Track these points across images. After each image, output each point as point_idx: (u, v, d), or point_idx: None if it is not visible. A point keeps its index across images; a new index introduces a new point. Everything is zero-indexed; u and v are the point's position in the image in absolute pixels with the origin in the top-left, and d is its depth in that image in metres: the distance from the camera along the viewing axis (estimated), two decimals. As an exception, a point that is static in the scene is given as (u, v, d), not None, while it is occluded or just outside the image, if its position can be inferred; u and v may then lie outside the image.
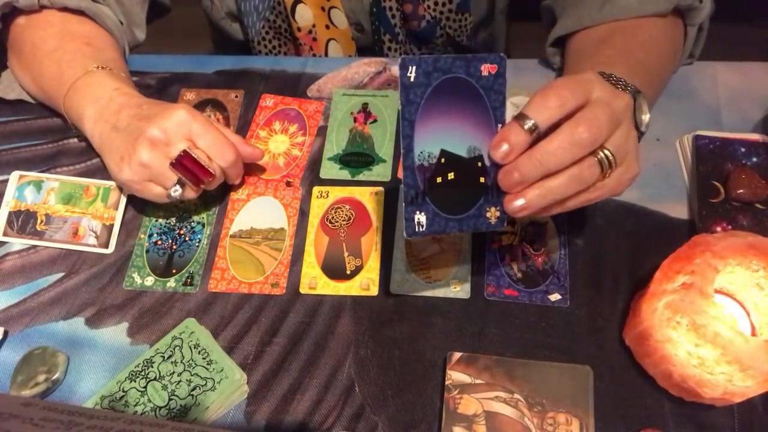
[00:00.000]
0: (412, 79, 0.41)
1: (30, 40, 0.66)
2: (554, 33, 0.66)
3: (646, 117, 0.51)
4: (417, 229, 0.44)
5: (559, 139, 0.41)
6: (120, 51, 0.70)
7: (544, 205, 0.43)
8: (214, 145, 0.57)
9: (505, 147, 0.42)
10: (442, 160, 0.43)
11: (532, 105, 0.41)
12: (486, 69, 0.42)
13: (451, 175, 0.43)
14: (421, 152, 0.43)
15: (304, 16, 0.78)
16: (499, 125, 0.44)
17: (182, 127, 0.56)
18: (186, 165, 0.56)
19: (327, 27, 0.79)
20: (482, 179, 0.44)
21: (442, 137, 0.43)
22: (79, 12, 0.67)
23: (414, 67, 0.41)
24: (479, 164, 0.43)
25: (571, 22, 0.64)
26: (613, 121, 0.42)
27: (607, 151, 0.42)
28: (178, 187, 0.57)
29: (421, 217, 0.43)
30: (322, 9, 0.77)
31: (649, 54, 0.59)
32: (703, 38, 0.65)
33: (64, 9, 0.66)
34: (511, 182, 0.42)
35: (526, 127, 0.41)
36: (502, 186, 0.43)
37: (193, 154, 0.56)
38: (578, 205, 0.45)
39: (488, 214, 0.44)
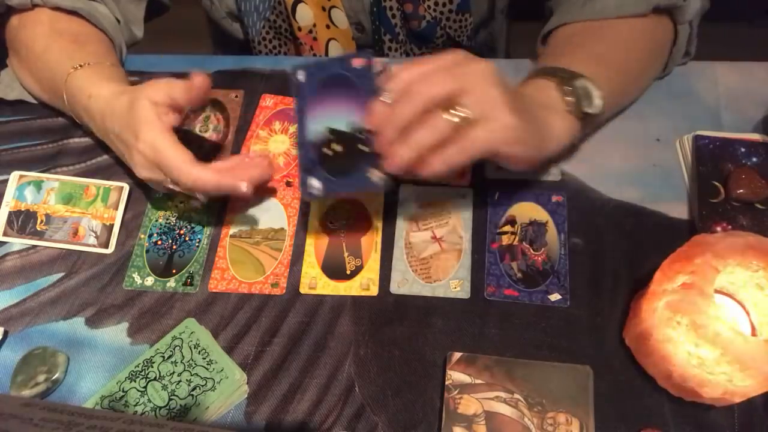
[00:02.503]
0: (303, 80, 0.53)
1: (23, 42, 0.66)
2: (542, 31, 0.66)
3: (596, 100, 0.54)
4: (313, 192, 0.52)
5: (404, 99, 0.48)
6: (108, 43, 0.70)
7: (414, 156, 0.48)
8: (173, 174, 0.55)
9: (372, 116, 0.49)
10: (330, 136, 0.52)
11: (390, 79, 0.49)
12: (357, 62, 0.53)
13: (337, 147, 0.52)
14: (314, 131, 0.52)
15: (305, 15, 0.78)
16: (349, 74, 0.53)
17: (152, 164, 0.55)
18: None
19: (327, 27, 0.79)
20: (365, 148, 0.51)
21: (330, 118, 0.53)
22: (72, 12, 0.67)
23: (304, 72, 0.54)
24: (361, 135, 0.51)
25: (555, 19, 0.65)
26: (454, 77, 0.47)
27: (459, 106, 0.47)
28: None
29: (314, 182, 0.52)
30: (323, 9, 0.77)
31: (611, 48, 0.60)
32: (695, 36, 0.65)
33: (57, 8, 0.66)
34: (382, 144, 0.49)
35: (384, 98, 0.49)
36: (378, 149, 0.49)
37: (173, 189, 0.57)
38: (458, 155, 0.48)
39: (370, 175, 0.51)
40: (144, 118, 0.54)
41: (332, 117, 0.53)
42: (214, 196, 0.59)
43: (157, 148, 0.54)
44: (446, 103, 0.47)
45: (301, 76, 0.54)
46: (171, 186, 0.56)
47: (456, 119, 0.47)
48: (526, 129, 0.49)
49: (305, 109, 0.53)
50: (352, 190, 0.53)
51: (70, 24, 0.67)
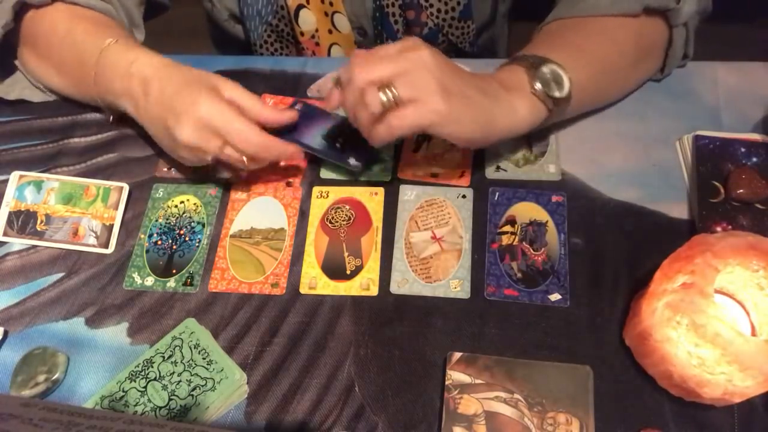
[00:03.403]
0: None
1: (42, 31, 0.66)
2: (538, 28, 0.67)
3: (565, 84, 0.56)
4: (356, 165, 0.64)
5: (347, 86, 0.54)
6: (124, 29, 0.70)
7: (365, 124, 0.54)
8: (238, 138, 0.58)
9: (327, 100, 0.58)
10: (328, 140, 0.65)
11: (344, 67, 0.55)
12: (297, 107, 0.67)
13: (340, 140, 0.64)
14: (319, 144, 0.64)
15: (307, 20, 0.77)
16: (331, 115, 0.67)
17: (207, 126, 0.57)
18: (221, 161, 0.59)
19: (330, 32, 0.78)
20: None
21: (318, 131, 0.65)
22: (88, 8, 0.67)
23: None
24: (345, 124, 0.63)
25: (549, 16, 0.65)
26: (393, 63, 0.52)
27: (391, 86, 0.52)
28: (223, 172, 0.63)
29: (351, 160, 0.64)
30: (326, 14, 0.77)
31: (592, 39, 0.61)
32: (692, 39, 0.65)
33: (75, 4, 0.67)
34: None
35: (339, 84, 0.56)
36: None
37: (222, 158, 0.58)
38: (387, 130, 0.53)
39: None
40: (217, 86, 0.59)
41: (317, 132, 0.65)
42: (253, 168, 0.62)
43: (227, 113, 0.57)
44: (385, 85, 0.52)
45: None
46: (215, 153, 0.58)
47: (385, 97, 0.51)
48: (459, 112, 0.52)
49: (299, 142, 0.64)
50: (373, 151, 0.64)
51: (91, 12, 0.67)
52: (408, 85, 0.52)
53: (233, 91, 0.60)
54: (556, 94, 0.56)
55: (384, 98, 0.52)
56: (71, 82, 0.68)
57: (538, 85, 0.55)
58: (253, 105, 0.60)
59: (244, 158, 0.59)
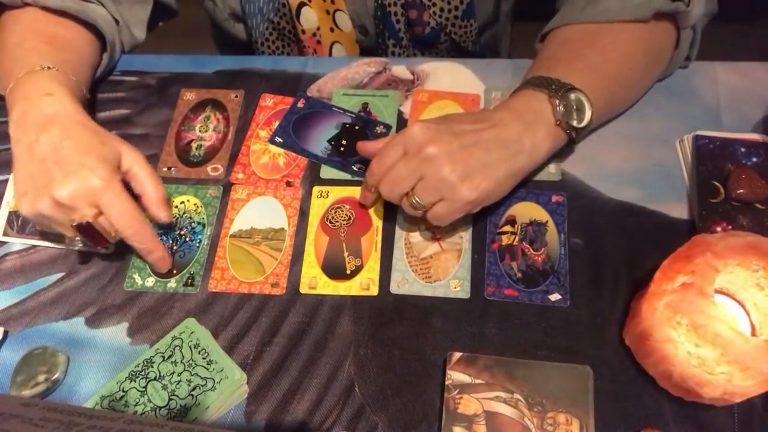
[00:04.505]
0: (279, 141, 0.68)
1: (0, 37, 0.65)
2: (543, 30, 0.66)
3: (587, 113, 0.56)
4: (361, 168, 0.65)
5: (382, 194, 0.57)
6: (89, 50, 0.68)
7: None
8: (121, 220, 0.56)
9: (367, 202, 0.62)
10: (332, 142, 0.67)
11: (368, 171, 0.58)
12: (301, 103, 0.70)
13: (344, 141, 0.67)
14: (322, 149, 0.67)
15: (309, 18, 0.77)
16: (334, 108, 0.70)
17: (91, 196, 0.54)
18: (87, 230, 0.55)
19: (331, 30, 0.78)
20: (357, 127, 0.68)
21: (322, 135, 0.68)
22: (60, 12, 0.66)
23: (278, 138, 0.68)
24: (347, 126, 0.68)
25: (556, 19, 0.65)
26: (411, 171, 0.53)
27: (415, 195, 0.54)
28: (79, 241, 0.57)
29: (355, 166, 0.66)
30: (327, 12, 0.77)
31: (608, 57, 0.60)
32: (698, 41, 0.65)
33: (46, 8, 0.65)
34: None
35: (369, 189, 0.59)
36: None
37: (95, 225, 0.55)
38: (435, 223, 0.56)
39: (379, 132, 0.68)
40: (120, 154, 0.57)
41: (321, 135, 0.68)
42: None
43: (115, 193, 0.55)
44: (410, 195, 0.54)
45: (276, 138, 0.68)
46: (85, 219, 0.54)
47: (415, 206, 0.54)
48: (486, 188, 0.53)
49: (305, 151, 0.67)
50: None
51: (52, 26, 0.65)
52: (428, 191, 0.53)
53: (134, 162, 0.58)
54: (575, 123, 0.56)
55: (413, 207, 0.55)
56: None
57: (561, 116, 0.55)
58: (148, 185, 0.58)
59: (113, 233, 0.56)
